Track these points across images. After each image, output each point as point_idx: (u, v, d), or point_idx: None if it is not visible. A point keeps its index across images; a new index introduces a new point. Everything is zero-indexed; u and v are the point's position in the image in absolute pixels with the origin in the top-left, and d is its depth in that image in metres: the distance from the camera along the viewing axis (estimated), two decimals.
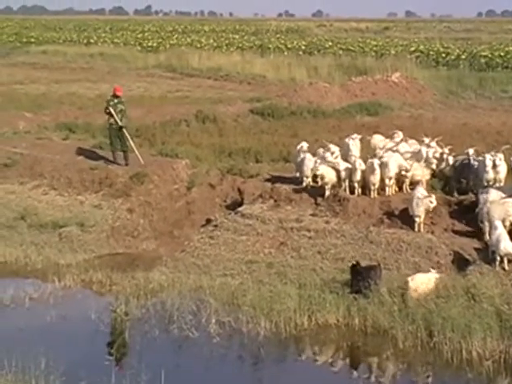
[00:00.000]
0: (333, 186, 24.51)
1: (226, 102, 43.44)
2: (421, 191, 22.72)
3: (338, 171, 24.39)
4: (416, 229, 22.42)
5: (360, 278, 19.91)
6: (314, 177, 24.87)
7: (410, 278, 19.52)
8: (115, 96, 30.38)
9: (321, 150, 26.32)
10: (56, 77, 58.19)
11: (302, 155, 25.79)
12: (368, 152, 25.95)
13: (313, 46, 69.52)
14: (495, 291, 19.04)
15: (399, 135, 28.07)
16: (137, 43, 79.69)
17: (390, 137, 28.16)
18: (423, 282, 19.46)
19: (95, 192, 28.40)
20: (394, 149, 25.47)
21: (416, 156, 25.04)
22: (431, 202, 22.11)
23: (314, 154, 25.87)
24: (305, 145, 26.69)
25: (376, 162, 24.09)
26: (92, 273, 22.82)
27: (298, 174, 25.78)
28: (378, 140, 27.45)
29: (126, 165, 29.55)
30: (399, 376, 17.72)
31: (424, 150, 25.28)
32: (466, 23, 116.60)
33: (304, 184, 25.01)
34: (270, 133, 34.76)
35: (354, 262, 20.18)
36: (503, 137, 31.27)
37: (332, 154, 25.20)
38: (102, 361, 17.40)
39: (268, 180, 26.89)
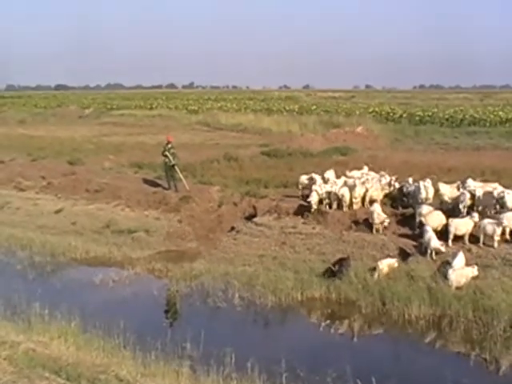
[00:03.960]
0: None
1: (244, 147, 43.39)
2: (377, 209, 22.77)
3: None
4: (374, 232, 22.40)
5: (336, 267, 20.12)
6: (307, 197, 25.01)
7: (379, 262, 19.90)
8: (168, 143, 30.47)
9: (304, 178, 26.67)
10: (130, 131, 58.30)
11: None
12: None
13: (303, 108, 69.33)
14: (427, 274, 19.19)
15: (365, 168, 28.08)
16: (184, 107, 79.58)
17: (359, 169, 28.18)
18: (388, 264, 19.85)
19: (156, 209, 28.41)
20: (363, 179, 25.43)
21: (376, 183, 25.06)
22: (385, 220, 22.42)
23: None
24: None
25: (345, 188, 24.14)
26: (154, 263, 23.02)
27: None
28: (353, 173, 27.34)
29: (176, 191, 29.50)
30: (363, 331, 17.85)
31: (383, 179, 25.40)
32: (406, 93, 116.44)
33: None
34: (274, 168, 34.67)
35: (332, 266, 20.32)
36: (431, 169, 31.15)
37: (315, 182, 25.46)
38: (161, 323, 17.50)
39: (273, 200, 26.81)
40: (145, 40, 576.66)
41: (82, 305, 16.73)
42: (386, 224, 22.41)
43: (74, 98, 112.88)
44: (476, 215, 20.70)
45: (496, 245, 20.02)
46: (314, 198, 24.11)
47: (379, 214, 22.52)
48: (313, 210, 24.10)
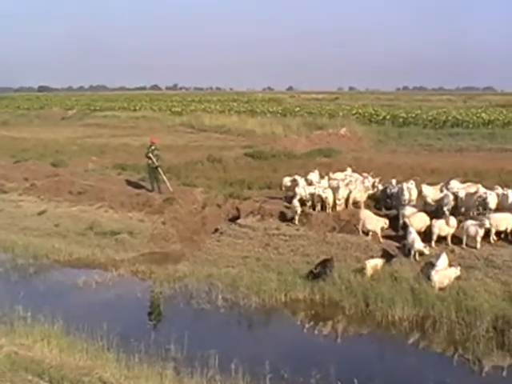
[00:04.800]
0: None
1: (227, 149, 43.41)
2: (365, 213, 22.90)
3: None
4: (360, 233, 22.44)
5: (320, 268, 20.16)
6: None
7: (367, 262, 20.04)
8: (152, 144, 30.42)
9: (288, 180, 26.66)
10: (113, 133, 58.11)
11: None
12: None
13: (286, 110, 69.29)
14: (410, 275, 19.26)
15: (348, 170, 28.19)
16: (167, 109, 79.41)
17: (342, 170, 28.31)
18: (375, 263, 19.96)
19: (139, 210, 28.29)
20: (346, 180, 25.51)
21: (359, 184, 25.16)
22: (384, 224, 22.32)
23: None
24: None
25: (328, 190, 24.21)
26: (138, 265, 22.97)
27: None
28: (337, 175, 27.43)
29: (160, 192, 29.42)
30: (346, 332, 17.84)
31: (364, 180, 25.49)
32: (389, 95, 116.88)
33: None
34: (258, 169, 34.70)
35: (313, 269, 20.34)
36: (414, 171, 31.32)
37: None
38: (144, 325, 17.43)
39: (257, 201, 26.80)
40: (128, 41, 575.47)
41: (65, 307, 16.77)
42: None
43: (57, 100, 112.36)
44: (452, 218, 20.85)
45: (478, 246, 20.13)
46: (298, 208, 23.98)
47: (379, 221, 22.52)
48: (297, 218, 23.97)
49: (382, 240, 21.87)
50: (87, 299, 19.80)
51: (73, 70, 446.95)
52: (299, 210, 23.88)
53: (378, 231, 22.10)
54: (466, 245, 20.34)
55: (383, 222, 22.22)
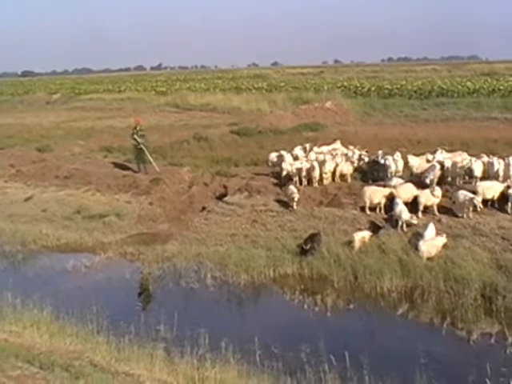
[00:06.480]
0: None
1: (213, 127, 43.28)
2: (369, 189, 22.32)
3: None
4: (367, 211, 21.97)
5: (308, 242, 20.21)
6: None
7: (354, 234, 20.13)
8: (137, 125, 30.31)
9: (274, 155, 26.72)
10: (99, 115, 57.71)
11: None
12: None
13: (272, 86, 68.88)
14: (398, 246, 19.34)
15: (337, 143, 28.27)
16: (152, 89, 78.90)
17: (328, 144, 28.46)
18: (363, 236, 20.06)
19: (126, 192, 28.25)
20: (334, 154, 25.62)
21: (346, 157, 25.20)
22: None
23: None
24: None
25: (315, 163, 24.22)
26: (126, 247, 22.97)
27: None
28: (323, 148, 27.52)
29: (146, 173, 29.40)
30: (336, 306, 17.92)
31: (350, 153, 25.51)
32: (374, 66, 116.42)
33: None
34: (244, 146, 34.63)
35: (303, 244, 20.39)
36: (401, 142, 31.39)
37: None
38: (134, 306, 17.40)
39: (244, 178, 26.80)
40: (111, 22, 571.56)
41: (54, 292, 16.78)
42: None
43: (42, 84, 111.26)
44: (438, 188, 20.95)
45: (471, 215, 20.15)
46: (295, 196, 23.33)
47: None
48: (295, 204, 23.28)
49: (369, 212, 21.88)
50: (76, 283, 19.73)
51: (57, 54, 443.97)
52: (296, 196, 23.20)
53: (382, 203, 21.86)
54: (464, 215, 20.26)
55: (387, 193, 21.82)
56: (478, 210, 20.17)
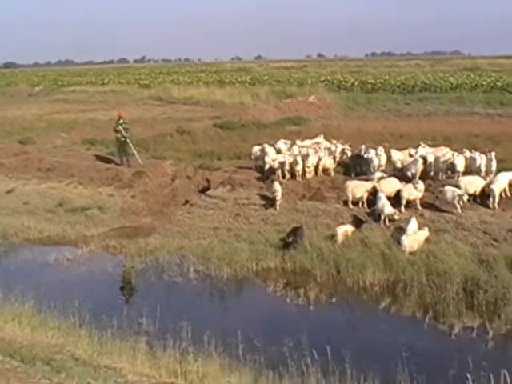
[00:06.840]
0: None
1: (196, 120, 43.13)
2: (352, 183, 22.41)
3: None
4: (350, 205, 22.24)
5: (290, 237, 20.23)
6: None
7: (337, 228, 20.11)
8: (120, 118, 30.20)
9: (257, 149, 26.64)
10: (81, 108, 57.36)
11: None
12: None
13: (255, 79, 68.72)
14: (380, 240, 19.39)
15: (320, 137, 28.28)
16: (135, 82, 78.52)
17: (311, 138, 28.50)
18: (346, 230, 20.06)
19: (109, 185, 28.15)
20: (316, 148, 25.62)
21: (329, 151, 25.21)
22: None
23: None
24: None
25: (298, 157, 24.23)
26: (108, 240, 22.89)
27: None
28: (306, 142, 27.55)
29: (129, 166, 29.30)
30: (318, 300, 17.97)
31: (333, 147, 25.50)
32: (358, 61, 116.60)
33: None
34: (227, 140, 34.61)
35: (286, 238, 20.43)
36: (384, 136, 31.49)
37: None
38: (116, 300, 17.43)
39: (227, 171, 26.76)
40: (94, 14, 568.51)
41: (36, 285, 16.63)
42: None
43: (24, 76, 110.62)
44: (420, 182, 21.03)
45: (460, 211, 20.15)
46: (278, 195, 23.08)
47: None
48: (278, 204, 22.94)
49: (351, 206, 21.90)
50: (58, 277, 19.64)
51: (39, 46, 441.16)
52: (279, 196, 22.95)
53: (365, 197, 21.86)
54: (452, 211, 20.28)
55: (370, 187, 21.86)
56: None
